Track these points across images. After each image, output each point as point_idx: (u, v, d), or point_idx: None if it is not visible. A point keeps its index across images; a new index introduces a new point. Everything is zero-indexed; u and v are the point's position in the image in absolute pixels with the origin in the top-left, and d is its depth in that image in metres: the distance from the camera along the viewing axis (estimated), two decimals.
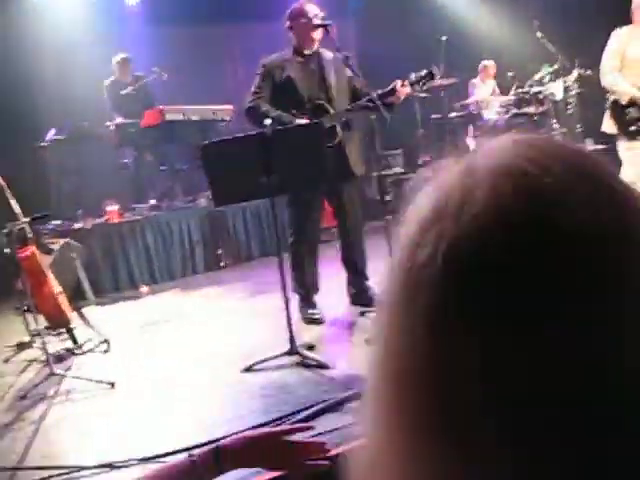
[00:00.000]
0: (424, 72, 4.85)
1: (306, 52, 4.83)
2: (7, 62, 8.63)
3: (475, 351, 0.46)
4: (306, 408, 3.22)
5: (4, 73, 8.51)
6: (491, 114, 10.36)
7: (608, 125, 5.65)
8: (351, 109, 4.78)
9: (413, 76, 4.81)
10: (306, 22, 4.73)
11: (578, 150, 0.53)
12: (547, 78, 10.27)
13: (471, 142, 10.40)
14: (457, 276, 0.47)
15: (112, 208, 7.48)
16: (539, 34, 9.95)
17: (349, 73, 4.51)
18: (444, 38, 9.87)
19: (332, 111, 4.74)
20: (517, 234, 0.46)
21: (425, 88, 4.91)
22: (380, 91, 4.58)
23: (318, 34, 4.79)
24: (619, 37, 5.52)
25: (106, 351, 4.82)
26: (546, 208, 0.47)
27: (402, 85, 4.67)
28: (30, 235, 4.92)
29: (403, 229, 0.53)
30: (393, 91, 4.65)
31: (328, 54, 4.85)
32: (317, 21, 4.71)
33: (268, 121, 4.00)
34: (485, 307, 0.46)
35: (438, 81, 9.99)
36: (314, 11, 4.75)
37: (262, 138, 3.86)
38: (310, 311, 4.88)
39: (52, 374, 4.14)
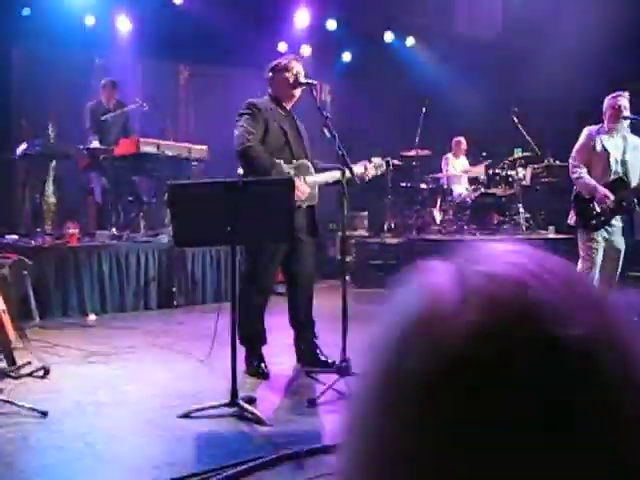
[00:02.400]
0: (384, 163, 5.22)
1: (286, 107, 4.89)
2: None
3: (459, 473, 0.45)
4: (236, 464, 3.16)
5: None
6: (461, 190, 10.53)
7: (571, 216, 5.81)
8: (326, 170, 4.85)
9: (374, 161, 5.12)
10: (290, 78, 4.78)
11: (571, 268, 0.52)
12: (518, 163, 10.50)
13: (437, 214, 10.55)
14: (449, 386, 0.45)
15: (72, 231, 7.39)
16: (515, 119, 10.21)
17: (327, 134, 4.56)
18: (423, 110, 10.05)
19: (312, 170, 4.81)
20: (517, 349, 0.45)
21: (379, 174, 5.19)
22: (359, 167, 4.83)
23: (299, 92, 4.86)
24: (589, 133, 5.72)
25: (43, 377, 4.70)
26: (548, 325, 0.45)
27: (366, 168, 4.97)
28: None
29: (387, 329, 0.51)
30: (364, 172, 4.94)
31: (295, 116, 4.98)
32: (302, 79, 4.77)
33: (240, 171, 4.02)
34: (471, 425, 0.45)
35: (412, 152, 10.22)
36: (300, 69, 4.82)
37: (232, 187, 3.86)
38: (255, 363, 4.83)
39: None
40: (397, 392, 0.48)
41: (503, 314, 0.46)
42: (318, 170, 4.85)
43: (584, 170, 5.63)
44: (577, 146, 5.75)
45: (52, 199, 7.79)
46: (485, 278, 0.49)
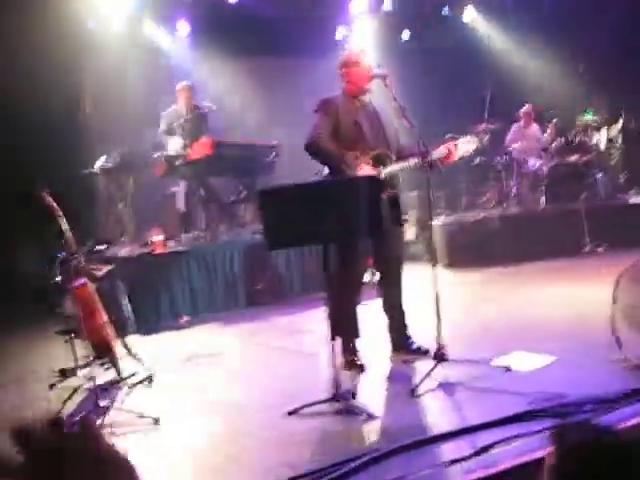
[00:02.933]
0: (473, 140, 5.10)
1: (362, 98, 4.92)
2: (59, 87, 8.83)
3: None
4: (350, 460, 3.23)
5: (57, 98, 8.72)
6: (535, 161, 10.35)
7: None
8: (408, 161, 4.86)
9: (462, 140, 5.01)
10: (361, 71, 4.82)
11: None
12: (591, 127, 10.26)
13: (514, 187, 10.40)
14: None
15: (157, 238, 7.60)
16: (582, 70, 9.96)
17: (406, 124, 4.58)
18: (488, 93, 9.91)
19: (393, 160, 4.83)
20: None
21: (472, 151, 5.07)
22: (438, 153, 4.73)
23: (372, 84, 4.88)
24: None
25: (149, 385, 4.88)
26: None
27: (450, 150, 4.86)
28: (82, 264, 5.04)
29: None
30: (448, 156, 4.85)
31: (376, 105, 4.97)
32: (375, 71, 4.80)
33: (326, 170, 4.08)
34: None
35: (482, 126, 10.08)
36: (370, 61, 4.85)
37: (320, 187, 3.93)
38: (351, 357, 4.89)
39: (97, 406, 4.22)
40: None
41: None
42: (400, 158, 4.85)
43: None
44: None
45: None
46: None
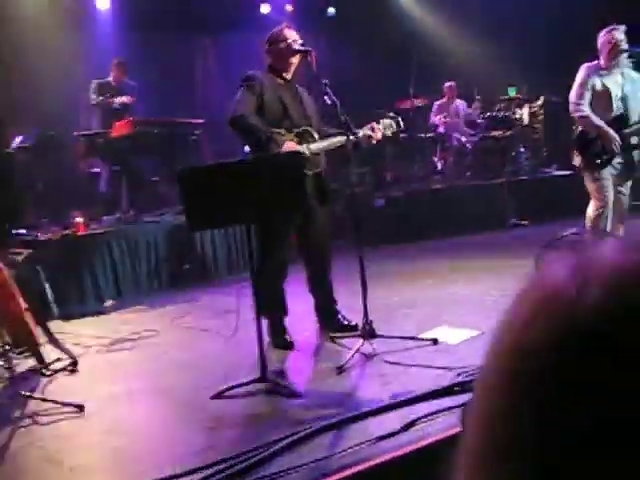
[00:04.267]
0: (393, 123, 5.10)
1: (286, 76, 4.86)
2: None
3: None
4: (276, 441, 3.21)
5: None
6: (459, 135, 10.49)
7: (575, 157, 5.77)
8: (332, 136, 4.82)
9: (383, 122, 5.04)
10: (285, 47, 4.76)
11: None
12: (514, 103, 10.44)
13: (438, 162, 10.52)
14: (578, 363, 0.47)
15: (78, 219, 7.38)
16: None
17: (328, 100, 4.53)
18: (414, 58, 9.90)
19: (316, 137, 4.78)
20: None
21: (390, 135, 5.11)
22: (358, 133, 4.72)
23: (296, 59, 4.82)
24: (587, 71, 5.64)
25: (73, 371, 4.75)
26: None
27: (374, 130, 4.89)
28: None
29: (512, 311, 0.54)
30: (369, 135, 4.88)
31: (298, 86, 4.94)
32: (296, 47, 4.74)
33: (247, 148, 4.01)
34: (598, 396, 0.46)
35: (408, 102, 10.14)
36: (294, 36, 4.78)
37: (241, 165, 3.86)
38: (280, 335, 4.87)
39: (18, 395, 4.08)
40: (523, 370, 0.49)
41: (632, 294, 0.47)
42: (323, 137, 4.83)
43: (587, 108, 5.57)
44: (576, 84, 5.66)
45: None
46: (608, 265, 0.50)
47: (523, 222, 9.06)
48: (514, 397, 0.50)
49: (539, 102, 10.46)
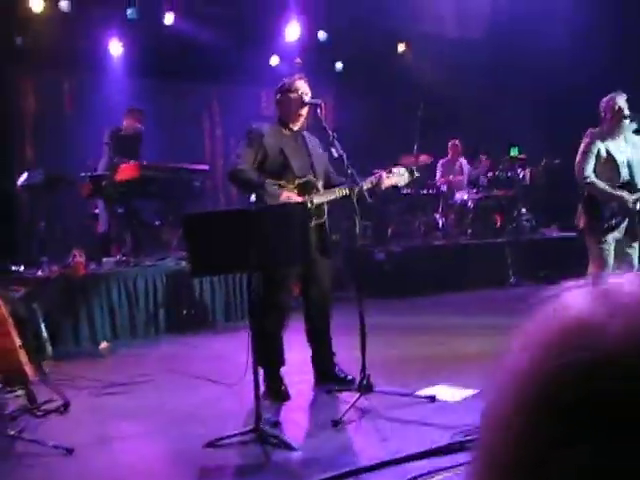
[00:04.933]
0: (406, 172, 5.05)
1: (293, 127, 4.89)
2: None
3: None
4: None
5: None
6: (461, 194, 10.56)
7: (580, 219, 5.79)
8: (334, 189, 4.83)
9: (396, 171, 4.97)
10: (296, 98, 4.81)
11: None
12: (517, 163, 10.53)
13: (440, 219, 10.56)
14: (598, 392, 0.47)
15: (79, 259, 7.36)
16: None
17: (335, 153, 4.56)
18: (420, 113, 9.98)
19: (320, 189, 4.80)
20: None
21: (403, 184, 5.10)
22: (367, 183, 4.70)
23: (305, 111, 4.86)
24: (591, 138, 5.70)
25: (64, 412, 4.67)
26: None
27: (387, 176, 4.84)
28: None
29: (531, 338, 0.55)
30: (378, 184, 4.82)
31: (307, 134, 4.96)
32: (307, 99, 4.79)
33: (253, 198, 4.03)
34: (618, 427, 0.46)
35: (412, 158, 10.21)
36: (304, 88, 4.83)
37: (245, 214, 3.86)
38: (276, 386, 4.80)
39: (6, 435, 4.00)
40: (552, 398, 0.49)
41: None
42: (327, 188, 4.83)
43: (592, 175, 5.61)
44: (580, 151, 5.70)
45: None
46: (631, 295, 0.51)
47: (524, 282, 9.04)
48: (540, 426, 0.49)
49: (541, 163, 10.54)
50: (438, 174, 11.10)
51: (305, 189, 4.76)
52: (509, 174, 10.38)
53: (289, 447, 3.79)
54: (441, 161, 11.17)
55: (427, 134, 10.22)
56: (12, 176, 8.34)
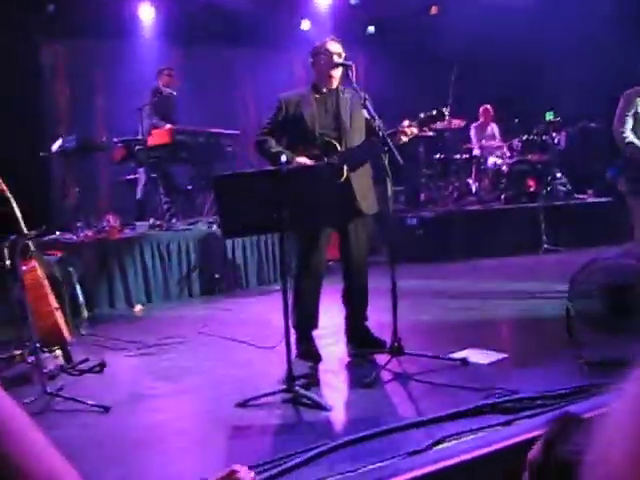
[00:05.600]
0: (434, 112, 4.81)
1: (324, 89, 4.86)
2: (15, 70, 8.64)
3: None
4: (303, 452, 3.18)
5: (13, 83, 8.52)
6: (495, 158, 10.43)
7: (621, 183, 5.70)
8: (360, 148, 4.77)
9: (422, 115, 4.81)
10: (326, 60, 4.76)
11: None
12: (552, 126, 10.35)
13: (473, 184, 10.46)
14: None
15: (112, 223, 7.46)
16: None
17: (366, 115, 4.53)
18: (453, 76, 9.82)
19: (340, 148, 4.74)
20: None
21: (433, 127, 4.90)
22: (387, 131, 4.54)
23: (337, 72, 4.81)
24: (628, 98, 5.60)
25: (100, 372, 4.77)
26: None
27: (409, 125, 4.68)
28: (32, 248, 4.90)
29: None
30: (402, 131, 4.65)
31: (347, 93, 4.86)
32: (337, 60, 4.74)
33: (284, 158, 4.01)
34: None
35: (445, 122, 10.09)
36: (336, 49, 4.78)
37: (275, 175, 3.86)
38: (307, 347, 4.84)
39: (44, 393, 4.10)
40: None
41: None
42: (350, 149, 4.75)
43: (630, 135, 5.52)
44: (618, 111, 5.62)
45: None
46: None
47: (557, 248, 8.94)
48: None
49: (577, 127, 10.36)
50: (472, 138, 10.98)
51: (325, 150, 4.71)
52: (544, 138, 10.21)
53: (321, 407, 3.82)
54: (473, 125, 11.04)
55: (460, 97, 10.09)
56: (46, 143, 8.41)
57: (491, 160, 10.44)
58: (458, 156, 10.58)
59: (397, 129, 4.65)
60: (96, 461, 3.32)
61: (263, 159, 4.84)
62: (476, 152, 10.68)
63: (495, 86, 11.11)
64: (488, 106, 11.07)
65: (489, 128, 11.05)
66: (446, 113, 4.92)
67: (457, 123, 10.43)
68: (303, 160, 4.57)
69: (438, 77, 10.32)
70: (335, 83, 4.84)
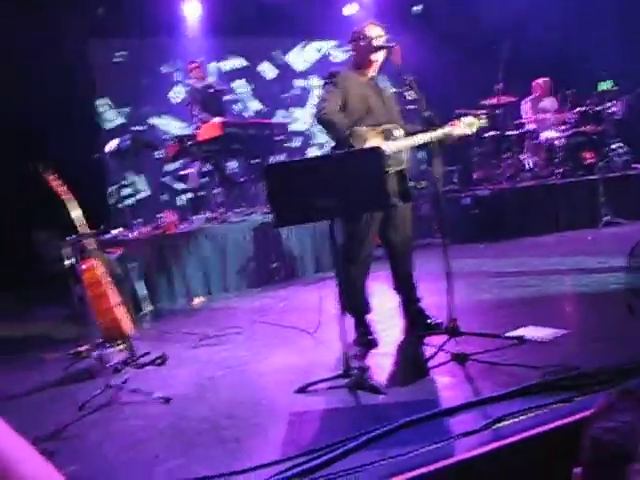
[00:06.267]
0: (476, 121, 4.92)
1: (368, 74, 4.84)
2: (69, 71, 8.82)
3: None
4: (360, 435, 3.20)
5: (67, 83, 8.71)
6: (549, 132, 10.23)
7: None
8: (413, 133, 4.75)
9: (464, 120, 4.87)
10: (366, 44, 4.74)
11: None
12: (608, 96, 10.09)
13: (527, 161, 10.29)
14: None
15: (169, 219, 7.59)
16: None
17: (413, 96, 4.50)
18: (503, 53, 9.65)
19: (398, 134, 4.73)
20: None
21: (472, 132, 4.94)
22: (442, 131, 4.62)
23: (378, 57, 4.79)
24: None
25: (162, 365, 4.88)
26: None
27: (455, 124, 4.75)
28: (91, 247, 5.04)
29: None
30: (449, 133, 4.72)
31: (381, 83, 4.89)
32: (378, 43, 4.71)
33: (332, 144, 4.03)
34: None
35: (495, 99, 9.94)
36: (376, 33, 4.75)
37: (323, 161, 3.88)
38: (363, 332, 4.86)
39: (108, 386, 4.22)
40: None
41: None
42: (406, 134, 4.78)
43: None
44: None
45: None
46: None
47: (618, 220, 8.73)
48: None
49: (636, 94, 10.06)
50: (524, 114, 10.79)
51: (386, 135, 4.72)
52: (598, 109, 9.96)
53: (377, 391, 3.84)
54: (526, 100, 10.83)
55: (511, 72, 9.92)
56: (99, 144, 8.59)
57: (545, 134, 10.24)
58: (510, 132, 10.40)
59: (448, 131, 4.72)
60: (158, 451, 3.41)
61: (329, 131, 4.66)
62: (529, 127, 10.48)
63: (546, 60, 10.88)
64: (540, 80, 10.84)
65: (542, 102, 10.82)
66: (483, 122, 4.96)
67: (508, 99, 10.26)
68: (376, 141, 4.57)
69: (487, 54, 10.17)
70: (376, 68, 4.83)
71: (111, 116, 9.84)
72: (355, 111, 4.70)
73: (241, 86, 10.99)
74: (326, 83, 4.79)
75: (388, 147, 4.61)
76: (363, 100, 4.74)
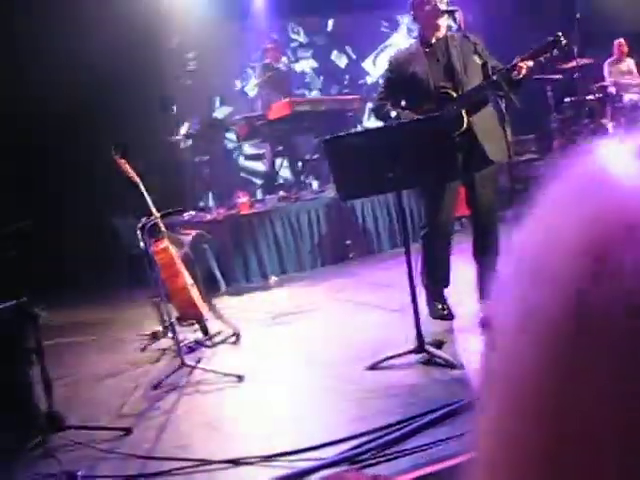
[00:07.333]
0: (546, 41, 4.43)
1: (432, 41, 4.67)
2: (139, 60, 8.91)
3: None
4: (432, 411, 3.13)
5: (135, 70, 8.79)
6: (632, 95, 9.79)
7: None
8: (474, 91, 4.52)
9: (534, 47, 4.49)
10: (430, 9, 4.56)
11: None
12: None
13: (609, 125, 9.87)
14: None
15: (242, 199, 7.61)
16: None
17: (478, 60, 4.30)
18: (578, 16, 9.25)
19: (455, 96, 4.52)
20: None
21: (550, 58, 4.48)
22: (502, 68, 4.30)
23: (444, 21, 4.61)
24: None
25: (236, 343, 4.91)
26: None
27: (522, 59, 4.35)
28: (163, 229, 5.09)
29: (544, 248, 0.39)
30: (513, 67, 4.30)
31: (456, 40, 4.63)
32: (441, 7, 4.53)
33: (394, 113, 3.92)
34: None
35: (572, 61, 9.55)
36: None
37: (385, 132, 3.78)
38: (439, 306, 4.75)
39: (183, 365, 4.26)
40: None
41: None
42: (464, 95, 4.51)
43: None
44: None
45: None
46: None
47: None
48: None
49: None
50: (606, 76, 10.33)
51: (441, 102, 4.50)
52: None
53: (452, 366, 3.75)
54: (607, 62, 10.37)
55: (589, 34, 9.50)
56: (171, 129, 8.67)
57: (627, 97, 9.79)
58: (591, 97, 9.98)
59: (510, 65, 4.37)
60: (232, 429, 3.42)
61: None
62: (611, 90, 10.03)
63: (627, 19, 10.38)
64: (622, 40, 10.35)
65: (624, 64, 10.34)
66: (562, 40, 4.49)
67: (585, 61, 9.84)
68: (414, 116, 4.43)
69: (562, 15, 9.78)
70: (442, 32, 4.63)
71: None
72: (417, 91, 4.52)
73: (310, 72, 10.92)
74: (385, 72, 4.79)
75: (453, 110, 4.40)
76: (421, 75, 4.54)
